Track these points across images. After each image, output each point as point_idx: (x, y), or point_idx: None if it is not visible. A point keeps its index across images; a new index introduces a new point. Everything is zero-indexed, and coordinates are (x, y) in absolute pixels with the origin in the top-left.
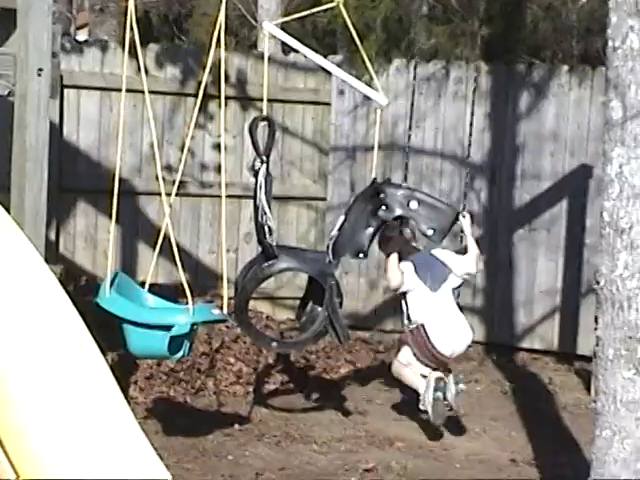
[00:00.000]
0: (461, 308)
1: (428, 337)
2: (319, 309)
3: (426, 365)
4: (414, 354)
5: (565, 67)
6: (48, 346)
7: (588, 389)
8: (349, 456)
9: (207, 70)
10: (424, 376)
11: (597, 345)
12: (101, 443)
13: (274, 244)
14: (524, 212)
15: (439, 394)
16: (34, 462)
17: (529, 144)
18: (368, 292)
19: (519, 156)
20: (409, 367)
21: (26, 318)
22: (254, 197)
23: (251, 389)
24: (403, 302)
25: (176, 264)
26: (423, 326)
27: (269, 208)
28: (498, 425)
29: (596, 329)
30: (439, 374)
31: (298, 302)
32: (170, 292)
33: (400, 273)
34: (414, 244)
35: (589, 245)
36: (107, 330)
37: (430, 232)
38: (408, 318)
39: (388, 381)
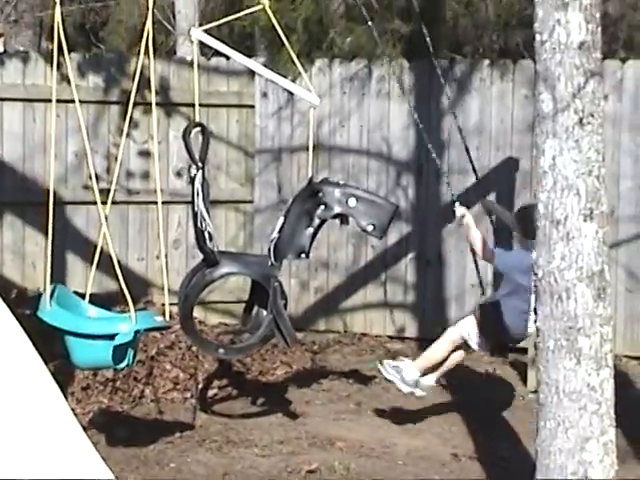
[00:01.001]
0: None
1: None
2: (264, 312)
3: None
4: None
5: (486, 61)
6: None
7: (524, 381)
8: (291, 458)
9: (137, 77)
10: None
11: (537, 336)
12: (45, 446)
13: (215, 250)
14: (452, 207)
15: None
16: None
17: (454, 139)
18: (300, 293)
19: (445, 151)
20: (457, 338)
21: None
22: (192, 203)
23: (189, 395)
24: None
25: (112, 273)
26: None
27: (208, 214)
28: (438, 420)
29: (535, 321)
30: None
31: (229, 306)
32: (102, 301)
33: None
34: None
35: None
36: (41, 342)
37: (370, 228)
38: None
39: (326, 381)
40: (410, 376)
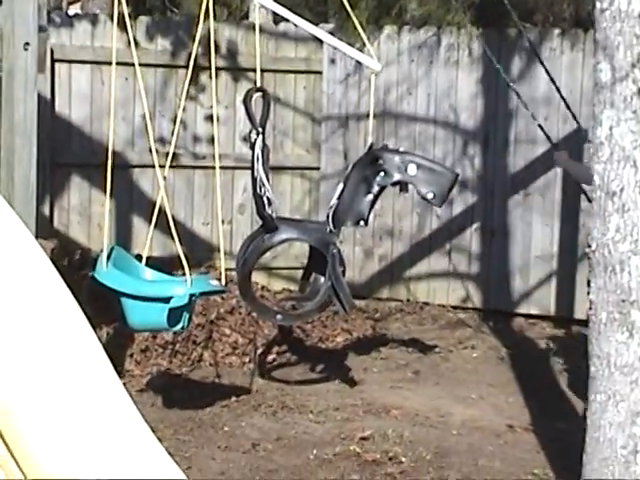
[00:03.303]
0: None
1: None
2: (322, 279)
3: None
4: None
5: (557, 31)
6: (37, 327)
7: (586, 353)
8: (345, 425)
9: (197, 41)
10: None
11: (590, 309)
12: (102, 438)
13: (274, 215)
14: (519, 177)
15: None
16: (33, 460)
17: (522, 109)
18: (363, 261)
19: (512, 121)
20: None
21: (12, 295)
22: (252, 169)
23: (247, 360)
24: None
25: (171, 236)
26: None
27: (267, 180)
28: (495, 391)
29: (589, 293)
30: None
31: (293, 272)
32: (165, 264)
33: None
34: None
35: (584, 209)
36: (102, 304)
37: (430, 196)
38: None
39: (385, 349)
40: None
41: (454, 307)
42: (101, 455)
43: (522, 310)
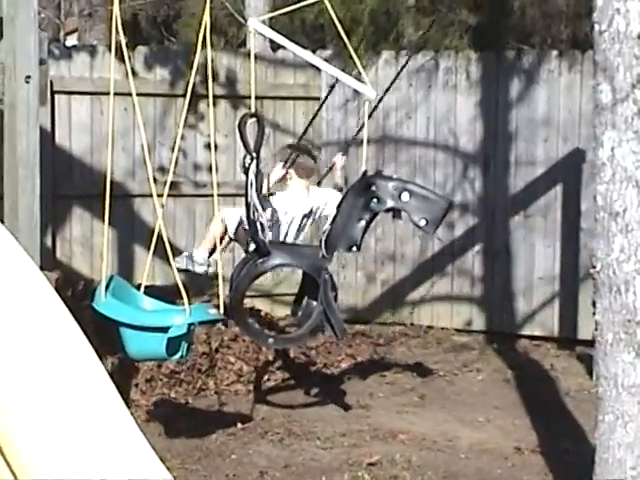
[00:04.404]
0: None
1: None
2: (314, 304)
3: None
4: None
5: (554, 52)
6: (43, 353)
7: (591, 374)
8: (353, 451)
9: (194, 70)
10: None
11: (596, 330)
12: (101, 447)
13: (267, 240)
14: (519, 199)
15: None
16: (31, 472)
17: (522, 131)
18: (366, 285)
19: (512, 143)
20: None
21: (20, 326)
22: (245, 194)
23: (252, 387)
24: None
25: (171, 266)
26: None
27: (261, 204)
28: (501, 414)
29: (594, 314)
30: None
31: None
32: (167, 294)
33: None
34: None
35: (585, 229)
36: (107, 334)
37: (423, 223)
38: None
39: (390, 374)
40: (200, 256)
41: (458, 330)
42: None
43: (526, 332)
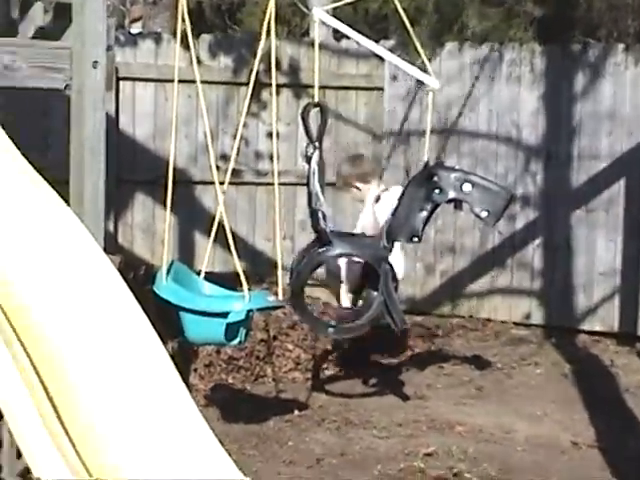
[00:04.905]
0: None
1: None
2: (374, 294)
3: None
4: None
5: (621, 46)
6: (108, 336)
7: None
8: (409, 440)
9: (258, 58)
10: None
11: None
12: (169, 441)
13: (328, 230)
14: (582, 192)
15: None
16: (102, 460)
17: (585, 124)
18: (425, 276)
19: (575, 137)
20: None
21: (85, 308)
22: (307, 183)
23: (310, 375)
24: None
25: (231, 252)
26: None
27: (322, 194)
28: (559, 408)
29: None
30: None
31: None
32: (227, 280)
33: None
34: None
35: None
36: (167, 319)
37: (484, 214)
38: None
39: (448, 365)
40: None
41: (517, 323)
42: (171, 460)
43: (585, 327)
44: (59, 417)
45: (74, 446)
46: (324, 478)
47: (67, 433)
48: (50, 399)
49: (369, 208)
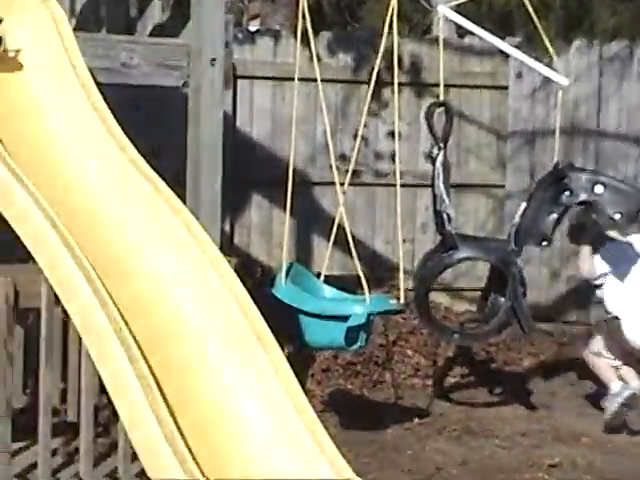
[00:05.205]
0: None
1: (621, 330)
2: (502, 299)
3: (617, 359)
4: (606, 345)
5: None
6: (226, 339)
7: None
8: (533, 451)
9: (380, 56)
10: (616, 368)
11: None
12: (282, 440)
13: (454, 233)
14: None
15: (625, 408)
16: (217, 460)
17: None
18: (550, 282)
19: None
20: (599, 357)
21: (203, 310)
22: (432, 185)
23: (430, 382)
24: (599, 292)
25: (351, 255)
26: (617, 318)
27: (447, 196)
28: None
29: None
30: (632, 389)
31: (477, 293)
32: (345, 283)
33: (592, 264)
34: (610, 232)
35: None
36: (284, 322)
37: (617, 217)
38: (605, 309)
39: (573, 374)
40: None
41: None
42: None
43: None
44: (175, 419)
45: (189, 448)
46: None
47: (182, 435)
48: (166, 400)
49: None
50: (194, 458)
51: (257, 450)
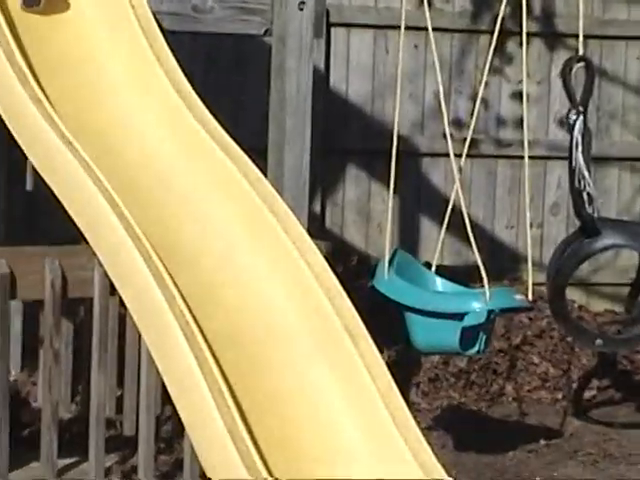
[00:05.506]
0: None
1: None
2: None
3: None
4: None
5: None
6: (314, 336)
7: None
8: None
9: (505, 0)
10: None
11: None
12: (377, 449)
13: (595, 216)
14: None
15: None
16: (296, 464)
17: None
18: None
19: None
20: None
21: (287, 303)
22: (569, 158)
23: (560, 396)
24: None
25: (467, 241)
26: None
27: (588, 171)
28: None
29: None
30: None
31: (620, 289)
32: (458, 275)
33: None
34: None
35: None
36: (384, 321)
37: None
38: None
39: None
40: None
41: None
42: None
43: None
44: (246, 421)
45: (257, 447)
46: None
47: (253, 437)
48: (237, 401)
49: None
50: (264, 460)
51: (343, 454)
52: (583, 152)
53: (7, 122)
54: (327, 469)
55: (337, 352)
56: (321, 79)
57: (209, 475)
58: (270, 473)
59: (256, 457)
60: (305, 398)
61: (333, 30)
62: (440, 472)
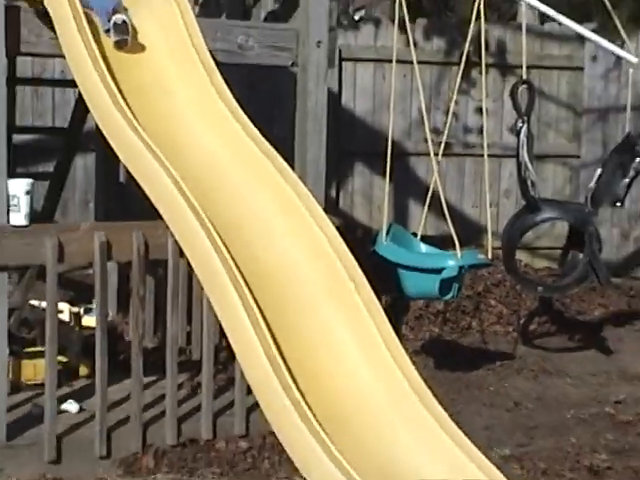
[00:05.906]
0: None
1: None
2: (580, 256)
3: None
4: None
5: None
6: (326, 285)
7: None
8: (600, 389)
9: (468, 40)
10: None
11: None
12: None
13: (537, 197)
14: None
15: None
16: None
17: None
18: (620, 241)
19: None
20: None
21: (307, 261)
22: (517, 154)
23: (511, 329)
24: None
25: (444, 217)
26: None
27: (531, 163)
28: None
29: None
30: None
31: (555, 252)
32: (437, 243)
33: None
34: None
35: None
36: (381, 277)
37: None
38: None
39: (639, 323)
40: None
41: None
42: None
43: None
44: (277, 344)
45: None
46: (520, 420)
47: (282, 356)
48: (278, 346)
49: None
50: (302, 393)
51: (347, 366)
52: (527, 150)
53: (103, 131)
54: (334, 380)
55: (344, 296)
56: (334, 99)
57: (253, 389)
58: (295, 383)
59: (286, 373)
60: (318, 328)
61: (344, 63)
62: (418, 380)
